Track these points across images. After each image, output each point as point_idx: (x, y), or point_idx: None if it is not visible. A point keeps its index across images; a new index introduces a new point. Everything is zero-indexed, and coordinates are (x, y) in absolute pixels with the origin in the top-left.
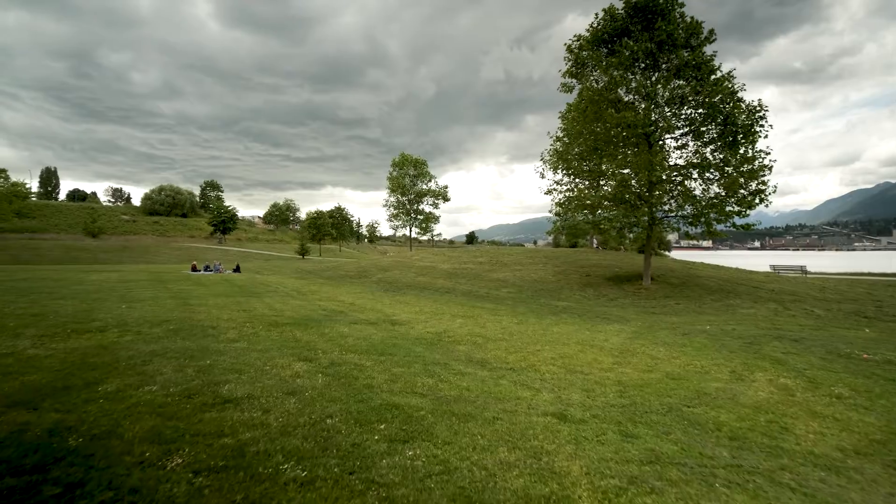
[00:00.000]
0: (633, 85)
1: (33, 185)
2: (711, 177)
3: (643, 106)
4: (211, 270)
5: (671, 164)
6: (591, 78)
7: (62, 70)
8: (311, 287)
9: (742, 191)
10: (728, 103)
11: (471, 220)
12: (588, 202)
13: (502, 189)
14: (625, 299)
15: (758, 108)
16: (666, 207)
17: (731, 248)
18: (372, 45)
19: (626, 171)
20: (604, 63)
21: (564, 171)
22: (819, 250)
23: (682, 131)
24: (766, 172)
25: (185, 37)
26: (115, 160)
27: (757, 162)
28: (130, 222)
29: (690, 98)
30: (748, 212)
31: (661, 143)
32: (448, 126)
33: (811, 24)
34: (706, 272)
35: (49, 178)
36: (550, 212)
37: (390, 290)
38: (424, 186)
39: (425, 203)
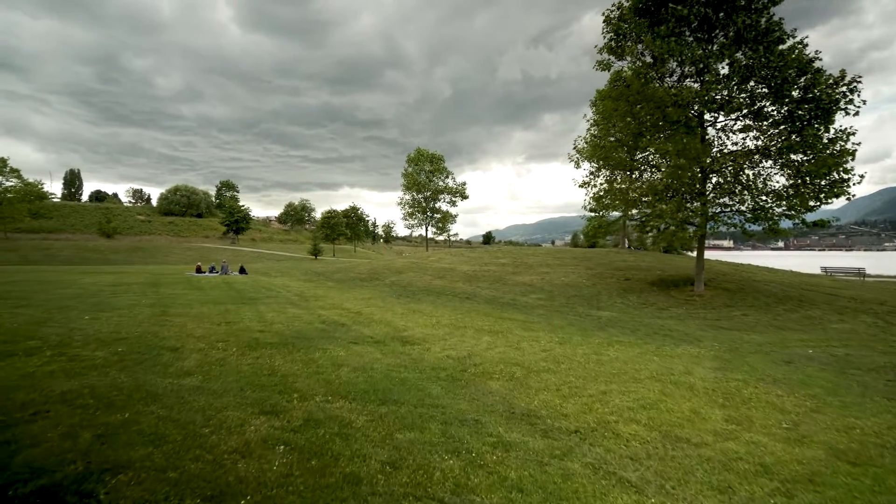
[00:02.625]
0: (685, 58)
1: (53, 186)
2: (780, 164)
3: (697, 84)
4: (216, 272)
5: (727, 150)
6: (635, 51)
7: (89, 75)
8: (316, 291)
9: (820, 180)
10: (806, 75)
11: (487, 220)
12: (631, 195)
13: (519, 189)
14: (678, 309)
15: (843, 80)
16: (721, 201)
17: (754, 248)
18: (389, 46)
19: (674, 159)
20: (649, 33)
21: (601, 162)
22: (846, 251)
23: (743, 111)
24: (849, 158)
25: (206, 41)
26: (138, 162)
27: (839, 145)
28: (146, 222)
29: (760, 70)
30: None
31: (716, 125)
32: (465, 126)
33: (840, 17)
34: (761, 275)
35: (73, 180)
36: (584, 208)
37: (403, 296)
38: (441, 183)
39: (442, 201)
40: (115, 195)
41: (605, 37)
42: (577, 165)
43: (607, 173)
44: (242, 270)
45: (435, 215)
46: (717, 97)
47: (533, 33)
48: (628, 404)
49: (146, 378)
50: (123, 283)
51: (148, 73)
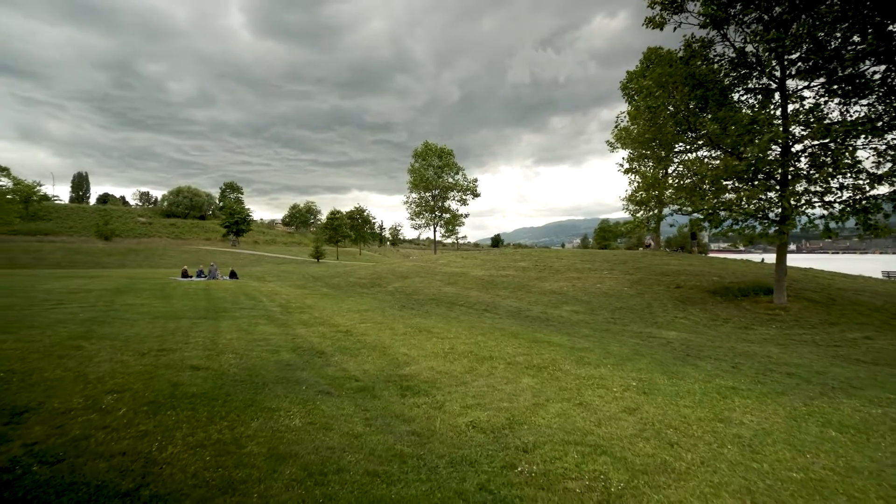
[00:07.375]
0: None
1: (57, 189)
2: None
3: (784, 39)
4: (203, 276)
5: (825, 122)
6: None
7: (105, 81)
8: (305, 300)
9: None
10: None
11: (495, 223)
12: (688, 181)
13: (527, 192)
14: (764, 328)
15: None
16: (806, 188)
17: (765, 251)
18: (398, 50)
19: (769, 130)
20: None
21: (647, 145)
22: (861, 253)
23: (859, 64)
24: None
25: (219, 47)
26: (150, 166)
27: None
28: (146, 224)
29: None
30: None
31: (811, 88)
32: (474, 129)
33: None
34: (842, 283)
35: (80, 183)
36: (623, 198)
37: (408, 307)
38: (451, 180)
39: (452, 199)
40: (123, 198)
41: None
42: (623, 146)
43: (651, 163)
44: (233, 275)
45: (444, 215)
46: (823, 47)
47: (542, 35)
48: None
49: None
50: (85, 289)
51: (162, 79)
